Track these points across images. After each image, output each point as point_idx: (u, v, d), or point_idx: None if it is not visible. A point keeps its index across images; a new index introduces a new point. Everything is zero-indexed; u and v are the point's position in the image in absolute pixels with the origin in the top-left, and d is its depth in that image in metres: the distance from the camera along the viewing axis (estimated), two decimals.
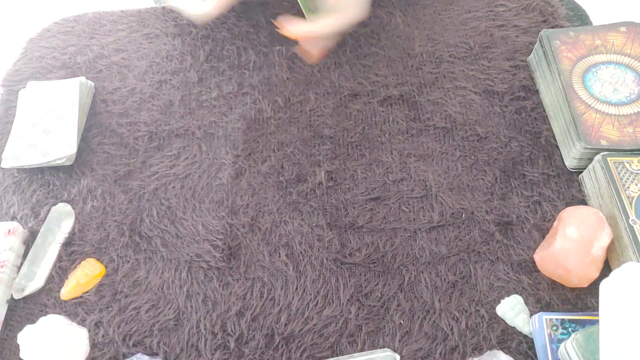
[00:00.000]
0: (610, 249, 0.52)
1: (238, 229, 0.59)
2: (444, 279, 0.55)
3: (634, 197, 0.53)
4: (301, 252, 0.57)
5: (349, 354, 0.51)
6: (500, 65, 0.69)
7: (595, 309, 0.52)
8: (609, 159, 0.55)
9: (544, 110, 0.65)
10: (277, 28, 0.62)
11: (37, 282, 0.56)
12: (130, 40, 0.75)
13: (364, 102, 0.67)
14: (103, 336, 0.53)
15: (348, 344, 0.52)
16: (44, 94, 0.67)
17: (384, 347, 0.51)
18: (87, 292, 0.56)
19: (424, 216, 0.59)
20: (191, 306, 0.55)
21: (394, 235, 0.58)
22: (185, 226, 0.59)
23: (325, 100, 0.68)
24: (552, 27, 0.71)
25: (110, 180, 0.63)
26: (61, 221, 0.60)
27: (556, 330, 0.49)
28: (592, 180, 0.57)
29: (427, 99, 0.67)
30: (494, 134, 0.64)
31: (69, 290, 0.56)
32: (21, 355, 0.50)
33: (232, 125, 0.66)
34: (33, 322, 0.53)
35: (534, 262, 0.55)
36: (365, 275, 0.56)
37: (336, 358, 0.51)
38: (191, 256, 0.57)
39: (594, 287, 0.51)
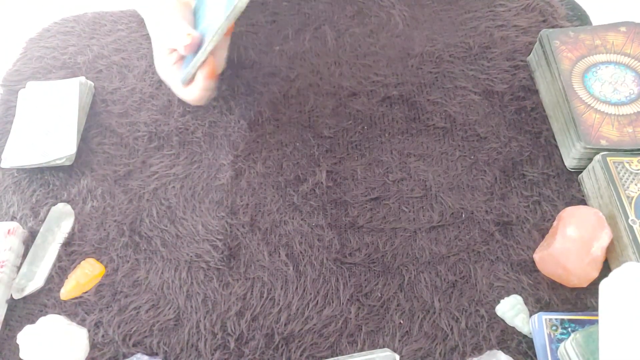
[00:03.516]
0: (610, 248, 0.52)
1: (238, 229, 0.59)
2: (444, 279, 0.55)
3: (633, 197, 0.53)
4: (301, 252, 0.57)
5: (349, 354, 0.51)
6: (500, 65, 0.69)
7: (595, 309, 0.52)
8: (608, 158, 0.55)
9: (544, 110, 0.65)
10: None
11: (36, 282, 0.56)
12: (130, 40, 0.75)
13: (364, 102, 0.67)
14: (103, 336, 0.53)
15: (348, 343, 0.52)
16: (43, 94, 0.67)
17: (383, 347, 0.51)
18: (87, 292, 0.56)
19: (423, 216, 0.59)
20: (191, 306, 0.55)
21: (394, 235, 0.58)
22: (185, 226, 0.59)
23: (325, 100, 0.68)
24: (552, 27, 0.71)
25: (110, 180, 0.63)
26: (61, 221, 0.60)
27: (556, 330, 0.49)
28: (591, 180, 0.57)
29: (426, 98, 0.67)
30: (494, 134, 0.64)
31: (68, 290, 0.56)
32: (21, 355, 0.50)
33: (231, 125, 0.66)
34: (33, 322, 0.53)
35: (533, 262, 0.55)
36: (365, 275, 0.56)
37: (336, 358, 0.51)
38: (191, 256, 0.58)
39: (593, 287, 0.51)
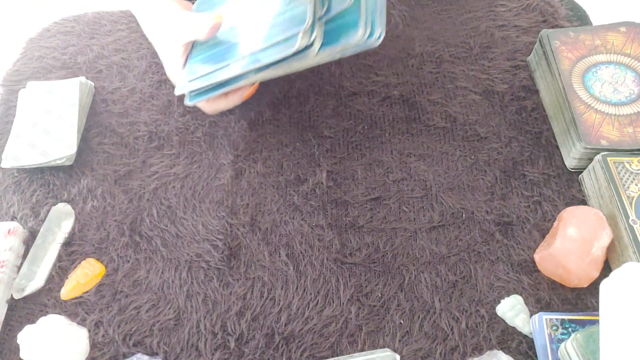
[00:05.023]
0: (610, 249, 0.52)
1: (238, 229, 0.59)
2: (444, 279, 0.55)
3: (634, 197, 0.53)
4: (301, 252, 0.57)
5: (349, 354, 0.51)
6: (501, 65, 0.69)
7: (595, 309, 0.52)
8: (609, 159, 0.55)
9: (544, 110, 0.65)
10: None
11: (37, 282, 0.56)
12: (130, 40, 0.75)
13: (364, 102, 0.67)
14: (103, 336, 0.53)
15: (348, 343, 0.52)
16: (43, 94, 0.67)
17: (384, 347, 0.51)
18: (87, 292, 0.56)
19: (424, 216, 0.59)
20: (191, 306, 0.55)
21: (394, 235, 0.58)
22: (186, 226, 0.59)
23: (325, 100, 0.68)
24: (552, 27, 0.71)
25: (110, 180, 0.63)
26: (61, 221, 0.60)
27: (556, 330, 0.49)
28: (592, 180, 0.57)
29: (427, 98, 0.67)
30: (494, 134, 0.64)
31: (69, 290, 0.56)
32: (21, 355, 0.50)
33: (232, 125, 0.66)
34: (33, 322, 0.52)
35: (534, 262, 0.55)
36: (365, 275, 0.56)
37: (336, 358, 0.51)
38: (191, 256, 0.57)
39: (594, 287, 0.51)
